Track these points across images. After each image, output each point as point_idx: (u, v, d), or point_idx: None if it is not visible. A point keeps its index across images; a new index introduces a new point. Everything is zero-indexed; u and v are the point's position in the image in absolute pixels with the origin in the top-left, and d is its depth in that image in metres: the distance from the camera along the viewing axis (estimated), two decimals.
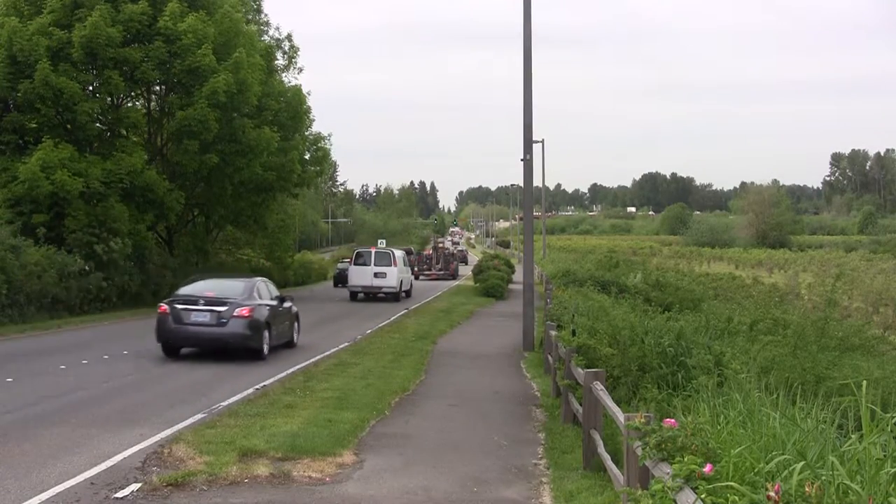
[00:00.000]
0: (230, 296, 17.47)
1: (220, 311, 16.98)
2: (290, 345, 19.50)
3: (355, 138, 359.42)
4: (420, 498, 8.10)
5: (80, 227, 27.89)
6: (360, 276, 37.16)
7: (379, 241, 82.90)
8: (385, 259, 37.47)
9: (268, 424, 10.88)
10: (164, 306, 17.42)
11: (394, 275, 37.14)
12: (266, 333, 17.54)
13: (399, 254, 39.10)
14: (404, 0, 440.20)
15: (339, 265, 48.33)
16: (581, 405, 9.67)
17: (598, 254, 67.46)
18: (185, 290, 17.93)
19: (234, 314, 16.94)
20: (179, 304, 17.26)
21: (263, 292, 18.44)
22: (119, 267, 28.85)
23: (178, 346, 17.68)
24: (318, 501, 7.93)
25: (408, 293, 39.25)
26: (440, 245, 67.69)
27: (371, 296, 36.85)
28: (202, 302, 17.16)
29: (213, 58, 30.65)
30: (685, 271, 55.77)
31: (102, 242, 27.96)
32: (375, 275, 37.01)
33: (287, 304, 19.37)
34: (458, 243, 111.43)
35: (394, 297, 36.90)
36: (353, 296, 36.20)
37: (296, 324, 20.15)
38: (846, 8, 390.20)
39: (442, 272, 59.34)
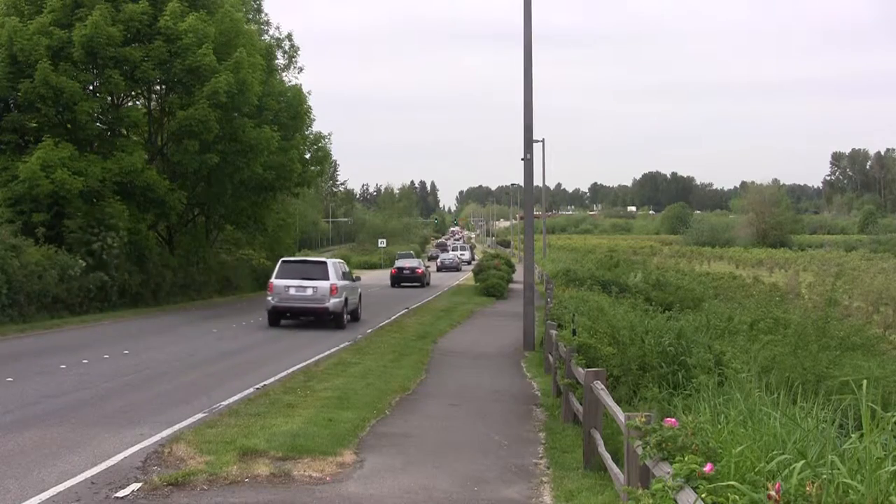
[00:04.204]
0: None
1: None
2: None
3: (355, 138, 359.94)
4: (420, 497, 8.10)
5: (79, 227, 27.84)
6: (445, 257, 79.70)
7: (379, 241, 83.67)
8: (462, 248, 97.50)
9: (268, 424, 10.87)
10: None
11: (468, 255, 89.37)
12: None
13: (468, 246, 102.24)
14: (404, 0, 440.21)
15: (436, 253, 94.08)
16: (581, 404, 9.67)
17: (599, 253, 67.52)
18: None
19: None
20: None
21: None
22: (119, 266, 28.84)
23: None
24: (319, 501, 7.92)
25: (470, 262, 79.03)
26: (467, 241, 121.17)
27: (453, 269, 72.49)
28: None
29: (213, 57, 30.60)
30: (685, 271, 55.71)
31: (101, 241, 27.90)
32: (459, 256, 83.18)
33: None
34: (459, 240, 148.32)
35: (467, 262, 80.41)
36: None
37: None
38: (846, 8, 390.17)
39: (469, 257, 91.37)
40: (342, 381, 14.58)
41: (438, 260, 77.88)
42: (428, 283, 49.98)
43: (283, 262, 25.97)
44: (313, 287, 24.27)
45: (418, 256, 66.56)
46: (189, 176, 34.37)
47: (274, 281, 24.72)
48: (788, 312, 22.28)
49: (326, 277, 24.55)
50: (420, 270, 50.10)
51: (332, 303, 24.29)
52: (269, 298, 24.61)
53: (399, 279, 48.96)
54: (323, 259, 27.72)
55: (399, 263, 51.61)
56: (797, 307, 28.31)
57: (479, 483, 8.65)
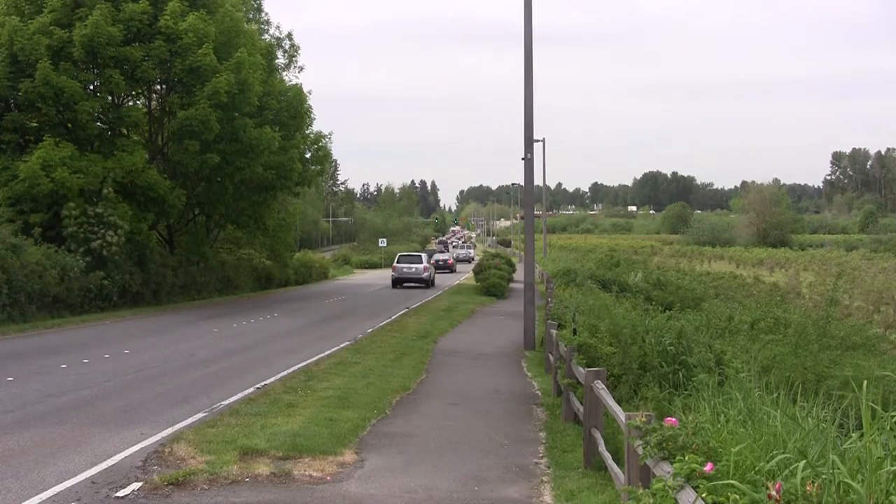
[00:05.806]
0: None
1: None
2: None
3: (356, 137, 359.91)
4: (421, 497, 8.10)
5: (77, 223, 27.77)
6: (459, 252, 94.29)
7: (380, 240, 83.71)
8: (467, 246, 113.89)
9: (269, 423, 10.87)
10: None
11: (472, 252, 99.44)
12: None
13: (469, 244, 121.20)
14: None
15: (441, 250, 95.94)
16: (582, 404, 9.67)
17: (599, 253, 67.47)
18: None
19: None
20: None
21: None
22: (120, 266, 28.82)
23: None
24: (319, 500, 7.93)
25: (473, 259, 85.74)
26: (467, 240, 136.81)
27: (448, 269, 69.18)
28: None
29: (213, 57, 30.60)
30: (686, 270, 55.66)
31: (101, 238, 27.86)
32: (467, 252, 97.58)
33: None
34: (461, 238, 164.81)
35: (472, 258, 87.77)
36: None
37: None
38: (846, 7, 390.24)
39: (473, 254, 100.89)
40: (343, 381, 14.58)
41: (455, 254, 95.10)
42: (455, 270, 69.25)
43: (400, 255, 49.25)
44: (416, 267, 46.53)
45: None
46: (190, 176, 34.37)
47: (395, 264, 47.33)
48: (789, 312, 22.26)
49: (422, 262, 47.19)
50: (450, 262, 71.46)
51: (425, 275, 46.33)
52: (393, 273, 46.75)
53: (436, 268, 63.07)
54: (420, 253, 54.00)
55: (436, 257, 69.09)
56: (798, 307, 28.31)
57: (480, 482, 8.65)
